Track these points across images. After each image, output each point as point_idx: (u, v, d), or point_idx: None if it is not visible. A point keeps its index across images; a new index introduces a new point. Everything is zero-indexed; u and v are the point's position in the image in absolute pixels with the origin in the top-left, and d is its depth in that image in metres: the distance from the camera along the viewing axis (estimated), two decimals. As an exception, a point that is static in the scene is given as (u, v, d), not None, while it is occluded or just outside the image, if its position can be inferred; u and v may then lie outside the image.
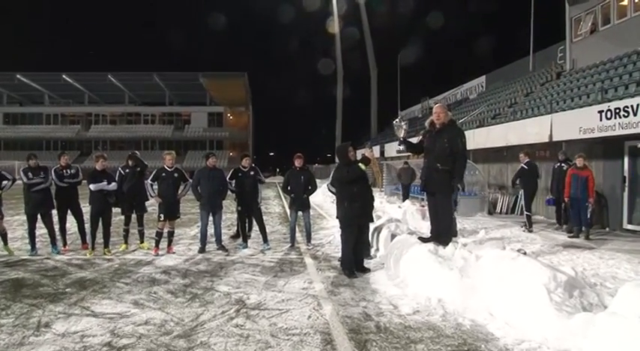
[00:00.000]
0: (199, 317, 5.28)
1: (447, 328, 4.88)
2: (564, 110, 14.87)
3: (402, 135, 7.54)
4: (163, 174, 9.17)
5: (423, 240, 7.20)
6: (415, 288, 6.13)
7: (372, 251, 8.70)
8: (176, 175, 9.26)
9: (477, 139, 18.80)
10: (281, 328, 4.91)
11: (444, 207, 7.19)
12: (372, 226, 8.59)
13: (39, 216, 9.07)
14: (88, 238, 9.22)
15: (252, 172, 9.87)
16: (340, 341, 4.52)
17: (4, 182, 8.99)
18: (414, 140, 8.52)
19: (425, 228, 10.40)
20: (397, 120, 7.72)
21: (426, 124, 7.55)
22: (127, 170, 9.53)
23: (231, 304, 5.82)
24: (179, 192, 9.33)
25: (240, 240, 10.19)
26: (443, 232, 7.08)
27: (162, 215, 9.16)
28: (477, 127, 21.46)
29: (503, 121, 19.23)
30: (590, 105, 13.43)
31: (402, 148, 7.86)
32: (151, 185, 9.21)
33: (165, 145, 63.90)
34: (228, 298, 6.08)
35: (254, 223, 10.26)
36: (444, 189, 7.08)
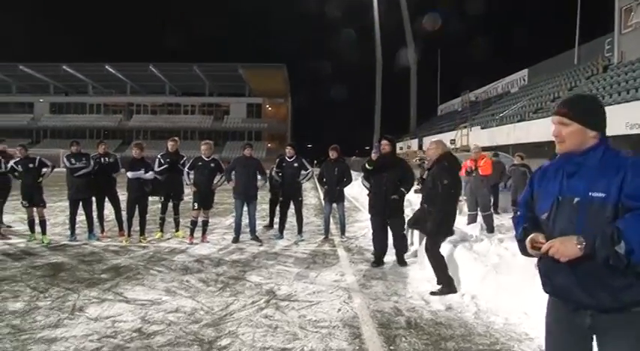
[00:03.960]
0: (229, 307, 5.28)
1: (479, 326, 4.75)
2: (610, 105, 14.43)
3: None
4: (200, 163, 9.22)
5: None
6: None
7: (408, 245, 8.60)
8: (212, 165, 9.29)
9: (517, 133, 18.39)
10: (310, 320, 4.87)
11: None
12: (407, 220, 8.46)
13: (80, 202, 9.28)
14: (125, 225, 9.38)
15: (295, 163, 9.85)
16: (369, 336, 4.45)
17: (44, 169, 9.23)
18: None
19: (462, 223, 10.23)
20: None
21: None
22: (168, 159, 9.59)
23: (261, 294, 5.81)
24: (214, 182, 9.36)
25: (273, 230, 10.22)
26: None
27: (196, 204, 9.23)
28: (518, 121, 21.01)
29: (545, 116, 18.77)
30: (639, 99, 12.96)
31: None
32: (188, 173, 9.28)
33: (204, 135, 64.44)
34: (259, 288, 6.08)
35: (289, 214, 10.22)
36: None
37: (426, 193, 6.50)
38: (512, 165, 13.48)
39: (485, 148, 12.46)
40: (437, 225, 6.07)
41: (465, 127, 28.95)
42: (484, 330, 4.64)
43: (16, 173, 9.19)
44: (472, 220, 10.24)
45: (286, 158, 9.91)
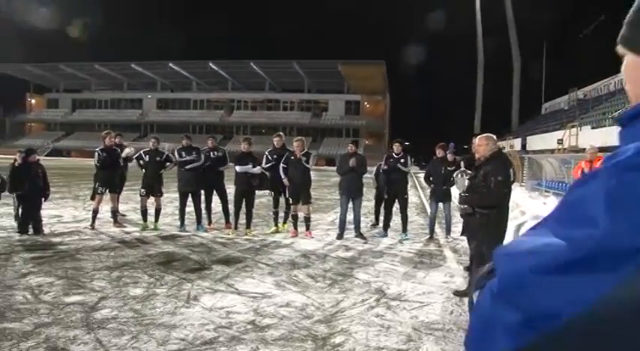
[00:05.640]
0: (339, 304, 5.22)
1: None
2: None
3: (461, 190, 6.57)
4: (292, 157, 9.24)
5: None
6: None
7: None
8: (304, 158, 9.28)
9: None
10: (422, 322, 4.71)
11: None
12: (513, 224, 8.06)
13: (189, 195, 9.57)
14: (232, 218, 9.59)
15: (402, 160, 9.66)
16: (487, 342, 4.21)
17: (168, 163, 9.65)
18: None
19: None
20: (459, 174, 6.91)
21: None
22: (275, 155, 9.60)
23: (370, 292, 5.70)
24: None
25: (377, 228, 10.11)
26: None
27: (290, 199, 9.29)
28: (636, 120, 19.54)
29: (668, 114, 17.34)
30: None
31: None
32: (284, 168, 9.28)
33: (302, 131, 65.45)
34: (368, 286, 5.97)
35: (393, 212, 10.04)
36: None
37: (475, 193, 5.57)
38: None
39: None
40: (489, 227, 5.30)
41: (574, 126, 27.38)
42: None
43: (142, 162, 9.66)
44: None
45: (393, 155, 9.72)
